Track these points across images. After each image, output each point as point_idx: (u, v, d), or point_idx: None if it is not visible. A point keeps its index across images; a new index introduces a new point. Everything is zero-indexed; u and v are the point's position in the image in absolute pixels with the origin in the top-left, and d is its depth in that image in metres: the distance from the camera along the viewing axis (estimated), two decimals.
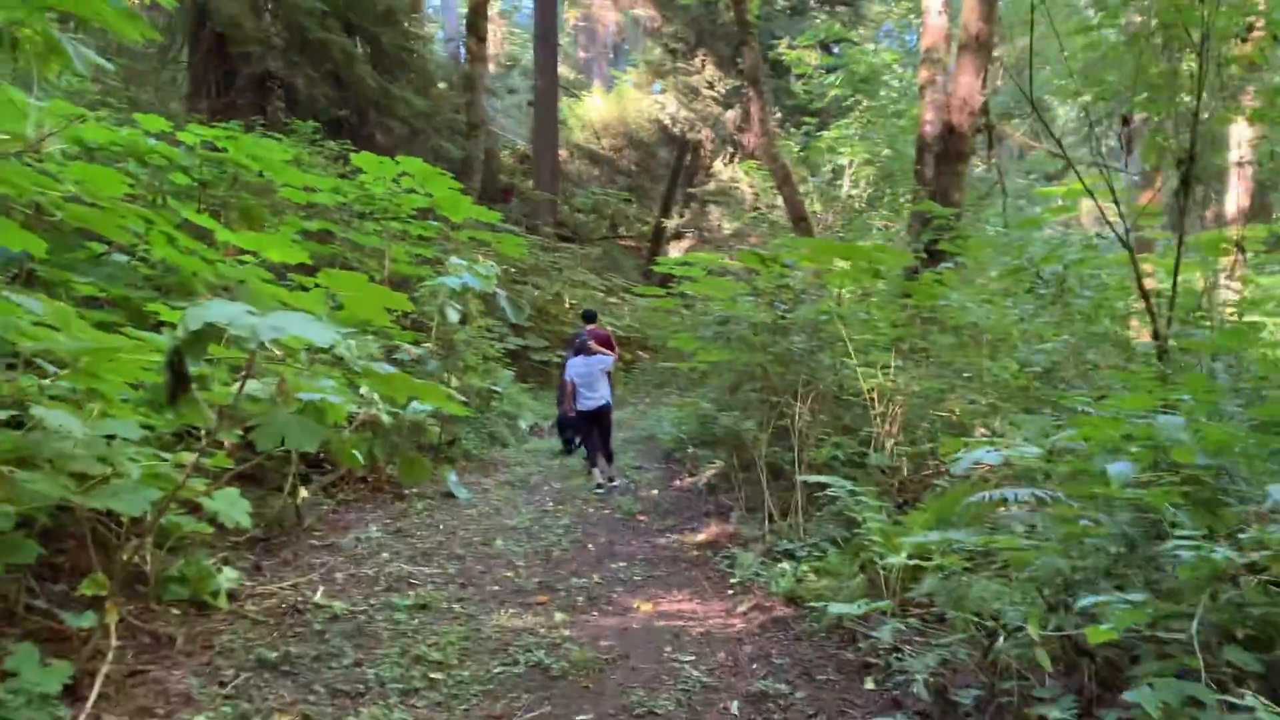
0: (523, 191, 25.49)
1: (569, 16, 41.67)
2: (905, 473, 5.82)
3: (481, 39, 23.15)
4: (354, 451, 7.06)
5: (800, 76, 15.75)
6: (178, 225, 6.64)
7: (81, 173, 5.54)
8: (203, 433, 4.15)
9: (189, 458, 3.78)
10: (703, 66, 25.86)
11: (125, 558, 4.07)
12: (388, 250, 9.95)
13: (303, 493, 6.37)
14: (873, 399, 5.70)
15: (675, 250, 27.97)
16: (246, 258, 6.86)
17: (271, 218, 9.25)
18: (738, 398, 7.22)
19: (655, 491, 8.29)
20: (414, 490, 8.27)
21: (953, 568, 3.77)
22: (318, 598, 4.84)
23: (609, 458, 9.08)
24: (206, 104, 15.33)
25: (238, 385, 3.59)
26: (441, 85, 23.18)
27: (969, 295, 6.51)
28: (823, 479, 4.62)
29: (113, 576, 3.85)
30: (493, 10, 40.15)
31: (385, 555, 5.94)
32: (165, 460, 3.81)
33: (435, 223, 10.97)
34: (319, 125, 12.88)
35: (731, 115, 25.64)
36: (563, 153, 29.27)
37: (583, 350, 9.45)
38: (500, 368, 12.01)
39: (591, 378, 9.13)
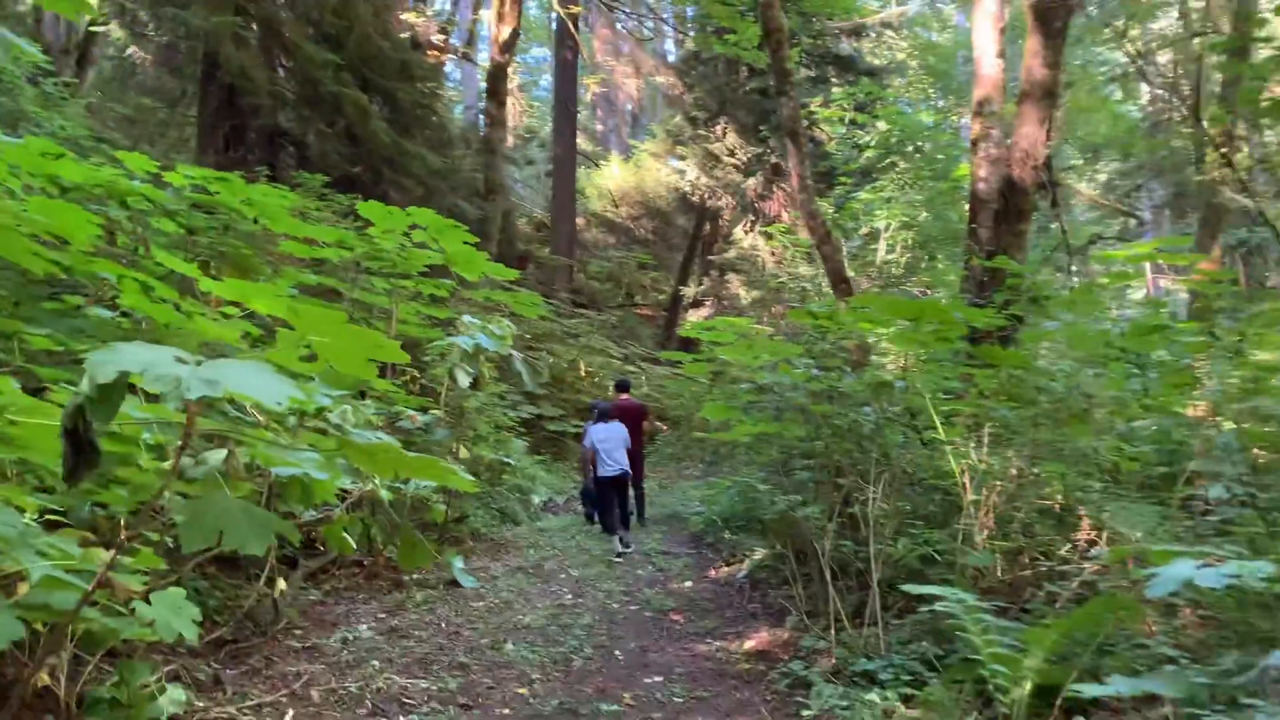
0: (539, 259, 24.86)
1: (589, 86, 41.75)
2: (998, 573, 4.83)
3: (501, 103, 22.77)
4: (345, 535, 6.15)
5: (833, 138, 15.07)
6: (162, 276, 5.88)
7: (43, 208, 4.75)
8: (121, 522, 3.24)
9: (102, 555, 2.85)
10: (724, 134, 25.37)
11: (28, 679, 3.13)
12: (395, 309, 9.12)
13: (281, 585, 5.41)
14: (963, 484, 4.75)
15: (693, 319, 27.18)
16: (230, 309, 6.04)
17: (267, 271, 8.45)
18: (790, 478, 6.26)
19: (688, 584, 7.27)
20: (414, 577, 7.30)
21: None
22: None
23: (625, 523, 9.23)
24: (214, 159, 14.70)
25: (172, 460, 2.69)
26: (459, 152, 22.70)
27: (1066, 359, 5.59)
28: (931, 590, 3.64)
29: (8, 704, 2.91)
30: (512, 83, 40.30)
31: (375, 663, 4.94)
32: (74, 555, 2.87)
33: (448, 281, 10.20)
34: (328, 179, 12.19)
35: (753, 183, 25.06)
36: (580, 221, 28.81)
37: (605, 416, 9.69)
38: (513, 438, 11.09)
39: (612, 444, 9.29)
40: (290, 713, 4.02)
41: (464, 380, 7.96)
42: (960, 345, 6.61)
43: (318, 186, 12.05)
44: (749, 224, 26.21)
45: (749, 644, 5.44)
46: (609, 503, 9.24)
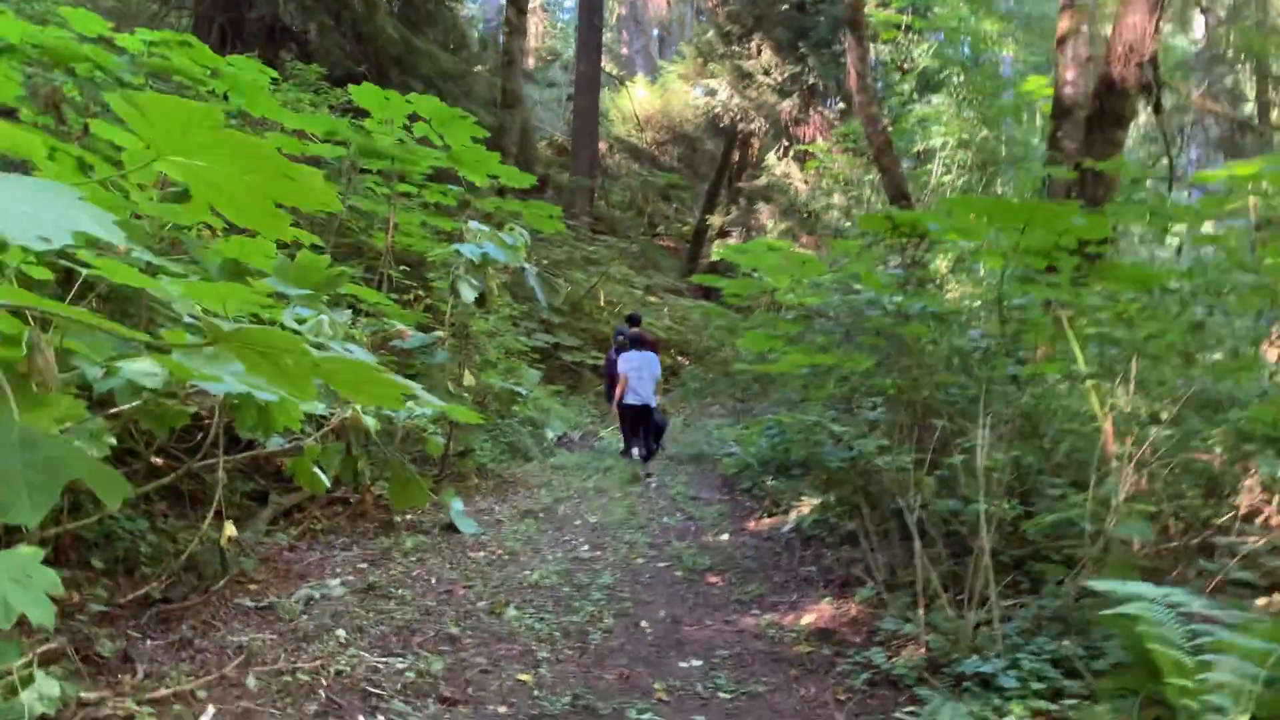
0: (558, 182, 23.56)
1: (614, 10, 40.14)
2: (1138, 545, 3.73)
3: (521, 10, 21.28)
4: (317, 471, 5.11)
5: (889, 42, 13.65)
6: (117, 162, 4.85)
7: None
8: None
9: None
10: (758, 51, 23.82)
11: None
12: (392, 215, 7.98)
13: (230, 530, 4.38)
14: (1106, 432, 3.63)
15: (718, 250, 25.90)
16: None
17: None
18: (853, 418, 5.15)
19: (725, 537, 6.20)
20: (407, 518, 6.32)
21: None
22: None
23: (651, 453, 9.32)
24: None
25: None
26: (479, 68, 21.28)
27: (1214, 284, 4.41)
28: (1133, 589, 2.56)
29: None
30: (536, 1, 38.62)
31: (341, 633, 3.93)
32: None
33: (456, 188, 9.06)
34: (324, 71, 10.96)
35: (787, 105, 23.56)
36: (602, 145, 27.42)
37: (637, 344, 9.47)
38: (525, 366, 10.02)
39: (643, 372, 9.15)
40: (210, 711, 3.00)
41: (468, 295, 6.86)
42: (1068, 261, 5.46)
43: (313, 79, 10.83)
44: (782, 150, 24.77)
45: (807, 619, 4.39)
46: (634, 429, 9.31)
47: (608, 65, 32.38)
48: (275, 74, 7.37)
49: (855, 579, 4.63)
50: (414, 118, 7.85)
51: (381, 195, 8.75)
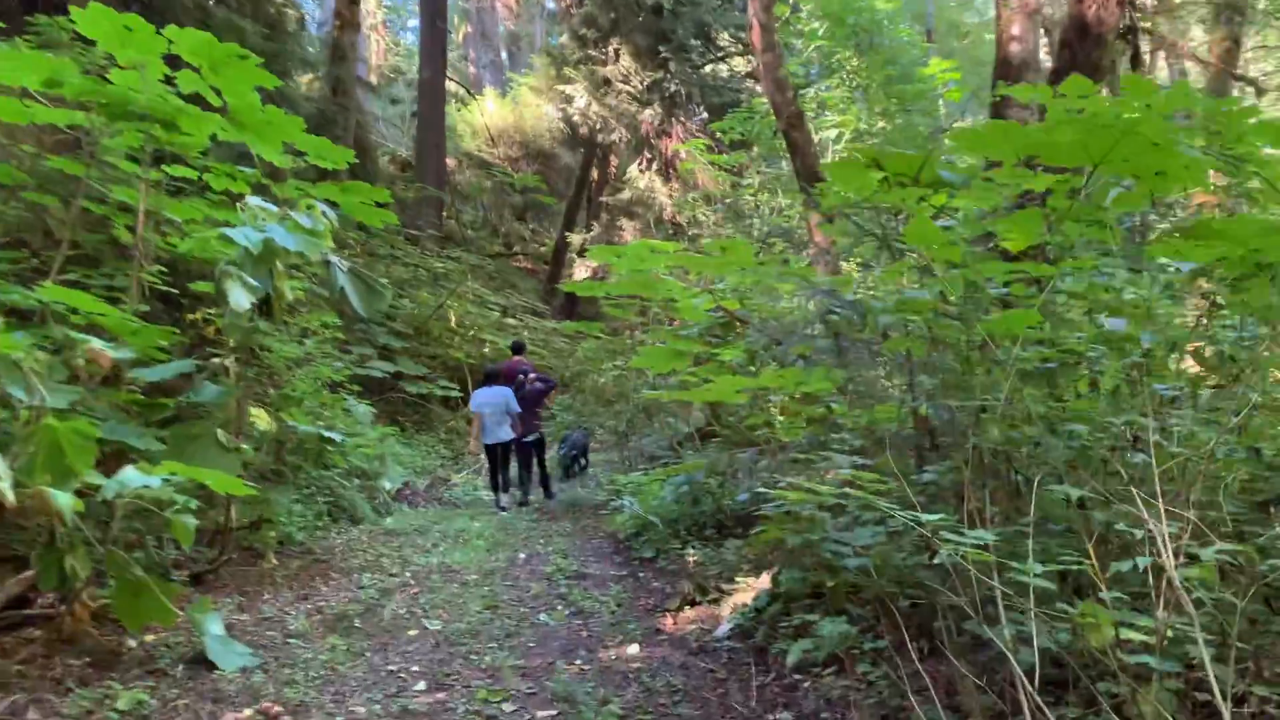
0: (403, 198, 21.17)
1: (460, 28, 38.30)
2: None
3: (354, 1, 19.03)
4: None
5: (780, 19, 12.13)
6: None
7: None
8: None
9: None
10: (616, 57, 22.24)
11: None
12: (143, 200, 5.69)
13: None
14: None
15: (580, 269, 24.10)
16: None
17: None
18: (816, 467, 3.27)
19: (632, 648, 4.13)
20: (145, 640, 4.08)
21: None
22: None
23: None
24: None
25: None
26: (306, 78, 18.78)
27: None
28: None
29: None
30: (377, 18, 36.21)
31: None
32: None
33: (250, 170, 6.84)
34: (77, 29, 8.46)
35: (648, 114, 22.02)
36: (451, 161, 25.23)
37: (490, 379, 8.94)
38: (351, 401, 7.79)
39: (499, 409, 8.56)
40: None
41: (241, 300, 4.65)
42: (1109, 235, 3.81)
43: (66, 39, 8.34)
44: (645, 162, 23.22)
45: None
46: (493, 468, 8.84)
47: (454, 87, 30.20)
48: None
49: None
50: (176, 66, 5.76)
51: (132, 175, 6.41)
